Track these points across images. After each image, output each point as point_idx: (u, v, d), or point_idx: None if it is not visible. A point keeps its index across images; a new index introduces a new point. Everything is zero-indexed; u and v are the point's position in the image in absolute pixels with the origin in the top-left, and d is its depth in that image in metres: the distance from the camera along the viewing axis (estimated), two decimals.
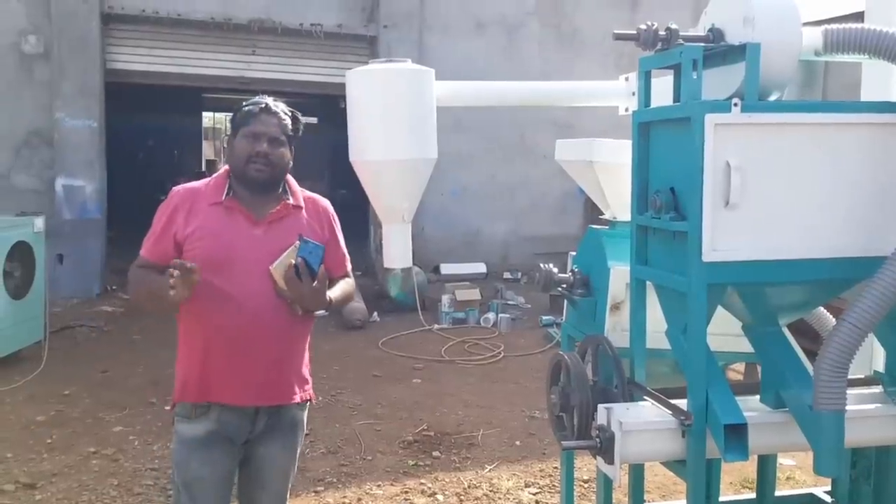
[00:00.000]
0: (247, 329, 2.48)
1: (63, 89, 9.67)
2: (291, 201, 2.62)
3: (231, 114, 2.67)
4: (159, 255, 2.53)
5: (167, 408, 4.97)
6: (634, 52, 2.15)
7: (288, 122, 2.61)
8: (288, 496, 2.79)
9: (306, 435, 5.06)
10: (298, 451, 2.77)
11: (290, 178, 2.67)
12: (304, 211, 2.65)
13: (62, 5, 9.60)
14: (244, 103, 2.62)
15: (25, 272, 6.70)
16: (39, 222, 6.88)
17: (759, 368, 2.43)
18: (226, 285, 2.46)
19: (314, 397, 2.77)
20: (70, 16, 9.63)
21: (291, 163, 2.63)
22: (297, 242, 2.51)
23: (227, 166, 2.66)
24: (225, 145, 2.69)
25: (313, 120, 20.70)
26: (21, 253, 6.62)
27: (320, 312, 2.64)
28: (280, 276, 2.48)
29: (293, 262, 2.47)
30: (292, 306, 2.53)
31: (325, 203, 2.75)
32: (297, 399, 2.65)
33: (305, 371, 2.71)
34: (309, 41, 10.59)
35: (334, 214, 2.76)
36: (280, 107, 2.61)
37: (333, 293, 2.63)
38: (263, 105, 2.58)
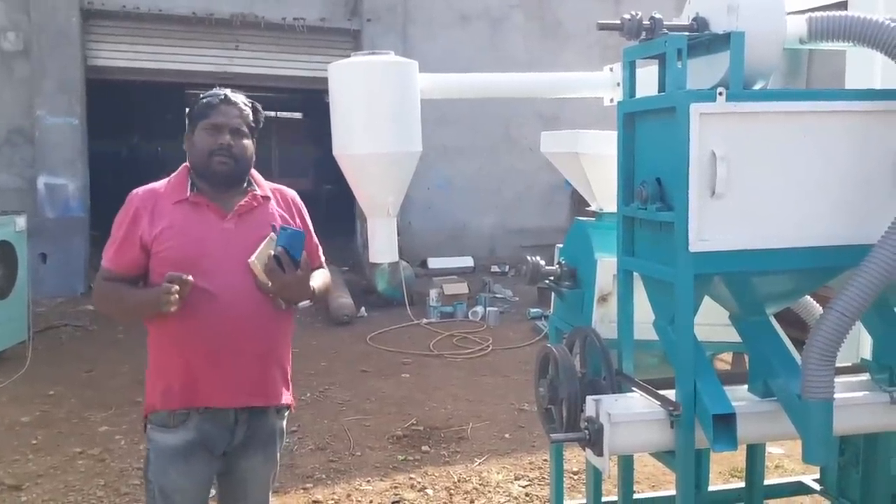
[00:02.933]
0: (230, 326, 2.40)
1: (43, 87, 9.59)
2: (259, 192, 2.54)
3: (190, 107, 2.56)
4: (125, 262, 2.44)
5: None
6: (619, 43, 2.14)
7: (249, 112, 2.52)
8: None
9: (294, 431, 5.11)
10: (278, 459, 2.69)
11: (254, 171, 2.58)
12: (272, 201, 2.57)
13: (41, 2, 9.51)
14: (201, 96, 2.53)
15: (8, 272, 6.63)
16: (21, 221, 6.81)
17: (746, 358, 2.42)
18: (203, 283, 2.36)
19: (294, 405, 2.69)
20: (50, 12, 9.54)
21: (254, 156, 2.54)
22: (272, 233, 2.44)
23: (185, 164, 2.56)
24: (185, 143, 2.56)
25: (298, 115, 20.63)
26: (3, 252, 6.56)
27: (304, 303, 2.58)
28: (260, 268, 2.40)
29: (272, 252, 2.40)
30: (275, 299, 2.46)
31: (293, 193, 2.68)
32: (283, 400, 2.59)
33: (289, 372, 2.63)
34: (292, 35, 10.54)
35: (302, 204, 2.69)
36: (240, 98, 2.52)
37: (315, 283, 2.56)
38: (222, 96, 2.49)
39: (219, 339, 2.40)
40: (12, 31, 9.57)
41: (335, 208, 14.64)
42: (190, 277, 2.31)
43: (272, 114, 21.00)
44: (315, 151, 16.32)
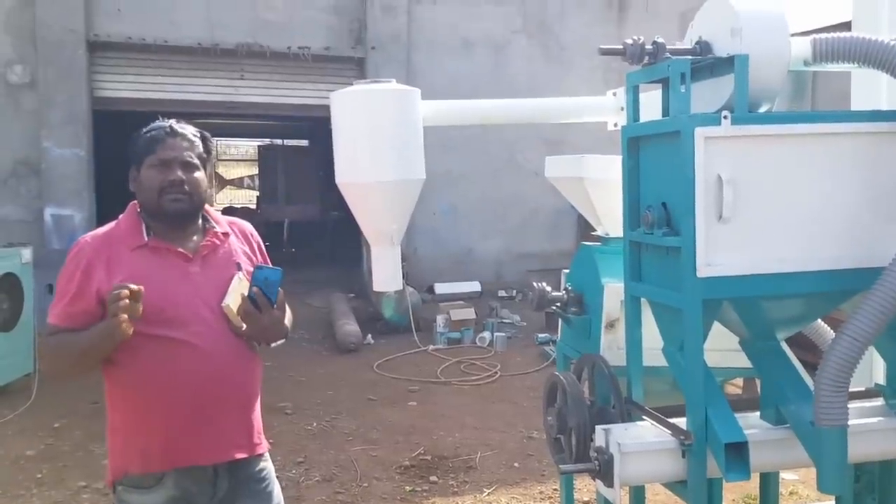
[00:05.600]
0: (212, 377, 2.25)
1: (50, 118, 9.65)
2: (218, 229, 2.40)
3: (132, 142, 2.35)
4: (79, 317, 2.21)
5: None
6: (622, 68, 2.13)
7: (198, 142, 2.36)
8: None
9: (300, 463, 5.04)
10: (281, 500, 2.50)
11: (206, 206, 2.43)
12: (232, 236, 2.43)
13: (48, 34, 9.60)
14: (144, 130, 2.34)
15: (13, 304, 6.62)
16: (27, 253, 6.81)
17: (757, 383, 2.38)
18: (177, 334, 2.21)
19: (269, 447, 2.51)
20: (56, 45, 9.63)
21: (210, 189, 2.39)
22: (238, 272, 2.33)
23: (133, 203, 2.38)
24: (131, 182, 2.35)
25: (304, 142, 20.73)
26: (8, 285, 6.55)
27: (278, 343, 2.42)
28: (234, 311, 2.27)
29: (245, 293, 2.27)
30: (249, 341, 2.35)
31: (249, 226, 2.55)
32: (264, 448, 2.44)
33: (260, 416, 2.48)
34: (297, 64, 10.61)
35: (259, 237, 2.57)
36: (188, 128, 2.36)
37: (284, 320, 2.41)
38: (168, 128, 2.31)
39: (202, 393, 2.24)
40: (19, 64, 9.65)
41: (341, 235, 14.68)
42: (141, 288, 2.09)
43: (279, 141, 21.19)
44: (321, 178, 16.37)
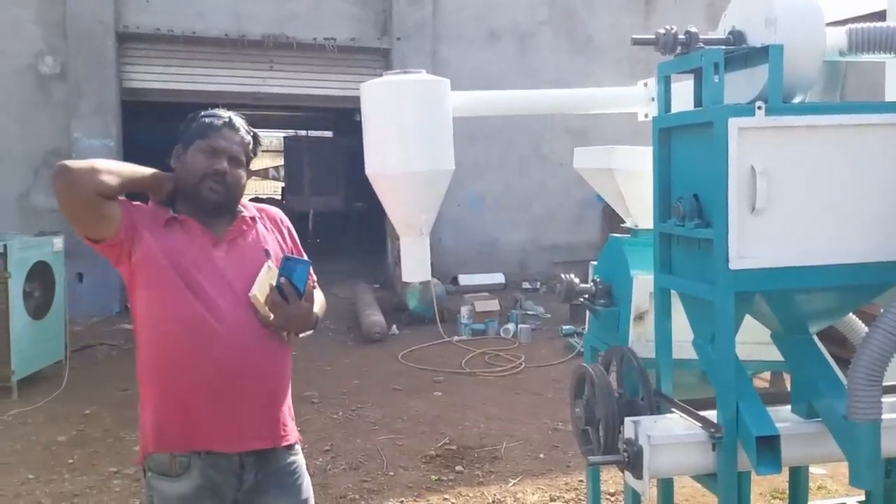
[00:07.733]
0: (234, 364, 2.24)
1: (80, 109, 9.76)
2: (246, 214, 2.40)
3: (187, 122, 2.39)
4: (115, 211, 2.22)
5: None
6: (650, 58, 2.12)
7: (250, 140, 2.39)
8: None
9: (327, 451, 5.09)
10: (311, 495, 2.47)
11: None
12: (260, 223, 2.44)
13: (78, 26, 9.70)
14: (202, 114, 2.37)
15: (45, 292, 6.72)
16: (59, 242, 6.90)
17: (785, 376, 2.37)
18: (204, 315, 2.22)
19: (301, 439, 2.50)
20: (86, 36, 9.73)
21: (245, 188, 2.40)
22: (269, 261, 2.33)
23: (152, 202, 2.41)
24: (174, 158, 2.38)
25: (329, 133, 20.80)
26: (41, 273, 6.64)
27: (307, 333, 2.40)
28: (262, 301, 2.26)
29: (273, 283, 2.26)
30: (277, 331, 2.33)
31: (278, 212, 2.57)
32: (291, 439, 2.40)
33: (292, 407, 2.46)
34: (323, 55, 10.64)
35: (290, 223, 2.57)
36: (242, 123, 2.38)
37: (315, 308, 2.40)
38: (226, 119, 2.35)
39: (221, 377, 2.24)
40: (50, 55, 9.77)
41: (366, 226, 14.72)
42: None
43: (303, 133, 21.29)
44: (346, 169, 16.42)
